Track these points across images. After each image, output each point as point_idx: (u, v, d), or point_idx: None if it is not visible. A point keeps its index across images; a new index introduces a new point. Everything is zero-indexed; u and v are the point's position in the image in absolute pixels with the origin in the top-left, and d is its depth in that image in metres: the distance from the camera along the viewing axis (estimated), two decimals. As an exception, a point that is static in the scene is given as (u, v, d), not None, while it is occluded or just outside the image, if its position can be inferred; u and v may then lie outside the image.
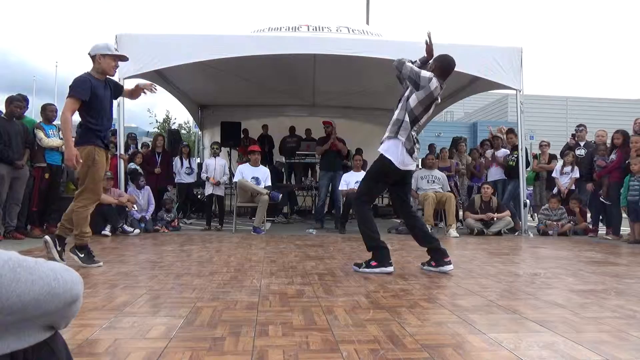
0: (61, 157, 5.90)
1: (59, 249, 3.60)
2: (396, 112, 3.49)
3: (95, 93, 3.58)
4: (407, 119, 3.40)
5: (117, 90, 3.94)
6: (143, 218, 6.47)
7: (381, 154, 3.48)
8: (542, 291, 2.79)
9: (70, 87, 3.55)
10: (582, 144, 7.71)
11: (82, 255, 3.52)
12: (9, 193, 5.35)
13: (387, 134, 3.49)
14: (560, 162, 7.76)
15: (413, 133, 3.45)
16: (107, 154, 3.78)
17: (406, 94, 3.49)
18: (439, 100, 3.56)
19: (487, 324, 2.04)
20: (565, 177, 7.38)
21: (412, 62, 3.51)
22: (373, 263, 3.38)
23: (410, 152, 3.41)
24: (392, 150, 3.42)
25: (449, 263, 3.42)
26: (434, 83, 3.37)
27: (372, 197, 3.90)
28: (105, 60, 3.66)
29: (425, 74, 3.39)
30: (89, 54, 3.70)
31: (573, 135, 7.96)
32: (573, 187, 7.35)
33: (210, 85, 9.02)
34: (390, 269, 3.36)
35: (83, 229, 3.57)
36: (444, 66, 3.49)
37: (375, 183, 3.62)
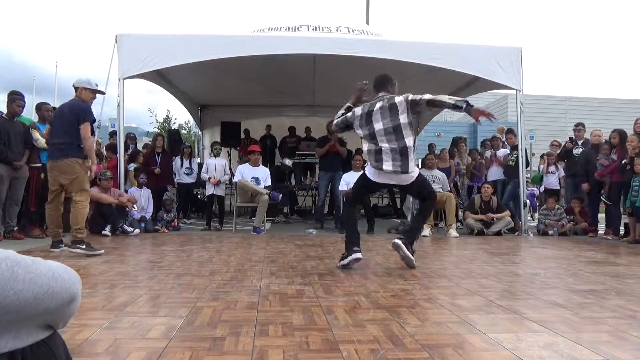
0: None
1: (84, 250, 4.06)
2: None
3: None
4: (365, 147, 3.79)
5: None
6: (143, 218, 6.46)
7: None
8: (542, 291, 2.79)
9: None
10: (580, 142, 7.66)
11: None
12: (8, 193, 5.35)
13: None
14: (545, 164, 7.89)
15: (374, 147, 3.69)
16: None
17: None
18: (375, 107, 3.73)
19: (487, 324, 2.04)
20: (552, 175, 7.44)
21: (341, 115, 3.98)
22: (343, 254, 3.66)
23: (377, 167, 3.65)
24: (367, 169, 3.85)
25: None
26: (356, 111, 3.80)
27: (358, 199, 4.38)
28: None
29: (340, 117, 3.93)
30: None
31: (571, 139, 7.89)
32: (558, 187, 7.47)
33: (210, 85, 9.01)
34: (356, 255, 3.55)
35: None
36: (376, 81, 3.92)
37: (358, 190, 4.07)
